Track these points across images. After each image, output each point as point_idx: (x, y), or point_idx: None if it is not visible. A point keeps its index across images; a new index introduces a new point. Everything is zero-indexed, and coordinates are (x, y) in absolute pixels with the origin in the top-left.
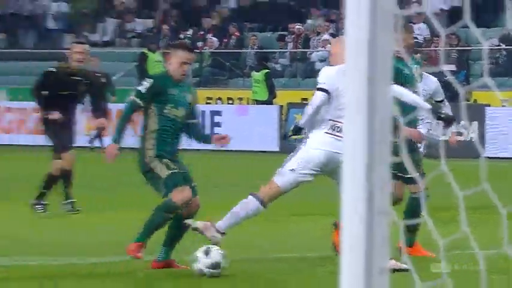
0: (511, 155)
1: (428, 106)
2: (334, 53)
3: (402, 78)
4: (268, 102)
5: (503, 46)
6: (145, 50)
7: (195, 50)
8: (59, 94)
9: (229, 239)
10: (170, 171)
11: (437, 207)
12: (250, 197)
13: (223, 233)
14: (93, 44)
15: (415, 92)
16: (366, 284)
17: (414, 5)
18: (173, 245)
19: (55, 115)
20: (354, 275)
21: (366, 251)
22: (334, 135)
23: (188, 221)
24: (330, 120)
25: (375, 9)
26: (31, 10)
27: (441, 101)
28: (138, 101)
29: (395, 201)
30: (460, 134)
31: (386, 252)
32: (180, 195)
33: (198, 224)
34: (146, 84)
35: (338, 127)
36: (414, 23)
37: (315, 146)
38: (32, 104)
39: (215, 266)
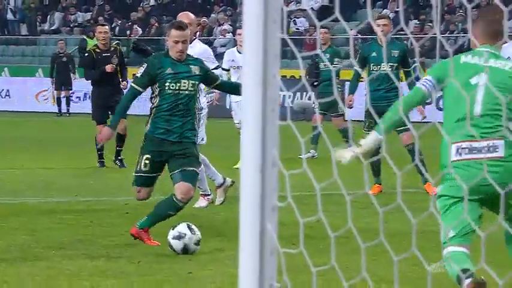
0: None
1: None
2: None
3: (369, 59)
4: None
5: (360, 36)
6: (85, 37)
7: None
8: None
9: None
10: (135, 174)
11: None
12: None
13: None
14: (43, 32)
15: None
16: (261, 219)
17: (292, 3)
18: (154, 222)
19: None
20: (251, 212)
21: (260, 191)
22: None
23: None
24: None
25: (267, 6)
26: None
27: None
28: (136, 87)
29: None
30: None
31: (276, 191)
32: (135, 194)
33: None
34: (142, 69)
35: None
36: (297, 18)
37: None
38: None
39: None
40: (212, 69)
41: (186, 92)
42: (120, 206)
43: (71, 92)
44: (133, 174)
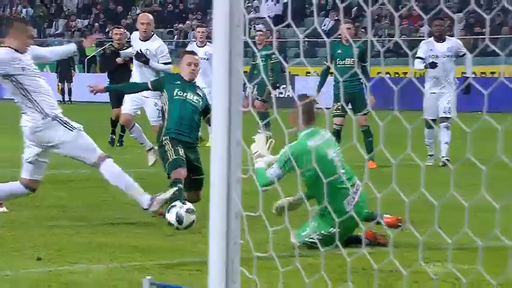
0: None
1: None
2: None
3: (335, 56)
4: None
5: (307, 39)
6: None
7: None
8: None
9: None
10: (175, 157)
11: None
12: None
13: None
14: (50, 35)
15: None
16: (228, 188)
17: (252, 12)
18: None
19: (118, 59)
20: (220, 183)
21: (227, 165)
22: None
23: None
24: None
25: (232, 14)
26: (8, 13)
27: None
28: (149, 84)
29: None
30: (281, 93)
31: (240, 166)
32: (175, 175)
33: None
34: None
35: None
36: (256, 24)
37: None
38: None
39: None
40: (165, 63)
41: (191, 102)
42: None
43: (71, 84)
44: (172, 160)
